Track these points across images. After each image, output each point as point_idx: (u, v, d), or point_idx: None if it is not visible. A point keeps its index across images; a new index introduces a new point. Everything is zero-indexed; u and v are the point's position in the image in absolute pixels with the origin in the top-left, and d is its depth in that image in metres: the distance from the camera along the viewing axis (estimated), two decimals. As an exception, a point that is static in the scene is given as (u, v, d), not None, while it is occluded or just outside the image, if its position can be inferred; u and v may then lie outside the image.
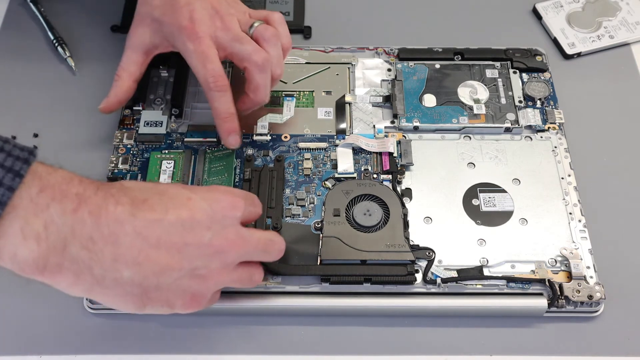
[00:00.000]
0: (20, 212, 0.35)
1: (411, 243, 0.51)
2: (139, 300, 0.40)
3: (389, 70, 0.61)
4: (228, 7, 0.53)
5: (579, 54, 0.64)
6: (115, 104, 0.55)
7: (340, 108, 0.59)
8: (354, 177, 0.55)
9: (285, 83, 0.60)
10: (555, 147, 0.57)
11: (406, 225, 0.51)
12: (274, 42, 0.53)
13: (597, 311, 0.50)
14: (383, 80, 0.61)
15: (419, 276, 0.50)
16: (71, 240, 0.36)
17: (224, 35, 0.51)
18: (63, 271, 0.37)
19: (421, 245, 0.51)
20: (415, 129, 0.57)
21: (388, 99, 0.59)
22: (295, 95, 0.60)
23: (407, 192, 0.54)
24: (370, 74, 0.61)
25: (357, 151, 0.56)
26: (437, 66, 0.61)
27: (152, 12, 0.53)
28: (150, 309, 0.41)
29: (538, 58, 0.61)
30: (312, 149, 0.56)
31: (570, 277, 0.50)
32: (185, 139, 0.57)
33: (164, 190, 0.41)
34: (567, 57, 0.64)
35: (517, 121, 0.57)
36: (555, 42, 0.65)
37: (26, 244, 0.35)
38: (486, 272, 0.50)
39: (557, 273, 0.50)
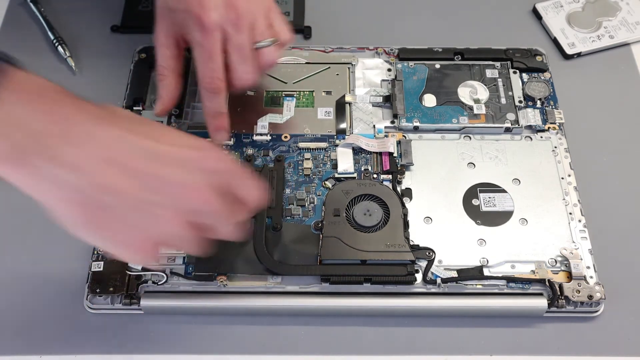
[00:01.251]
0: None
1: (411, 243, 0.51)
2: (84, 212, 0.37)
3: (389, 70, 0.61)
4: (248, 1, 0.50)
5: (579, 54, 0.64)
6: (169, 102, 0.54)
7: (341, 108, 0.59)
8: (354, 177, 0.55)
9: (285, 83, 0.60)
10: (555, 147, 0.57)
11: (406, 225, 0.51)
12: (268, 70, 0.55)
13: (597, 311, 0.50)
14: (383, 80, 0.61)
15: (419, 276, 0.50)
16: (17, 129, 0.35)
17: (230, 34, 0.49)
18: (6, 160, 0.35)
19: (421, 245, 0.51)
20: (415, 129, 0.57)
21: (388, 99, 0.59)
22: (295, 95, 0.60)
23: (407, 192, 0.54)
24: (370, 74, 0.61)
25: (357, 151, 0.56)
26: (437, 66, 0.61)
27: (167, 2, 0.51)
28: (100, 237, 0.38)
29: (538, 58, 0.61)
30: (312, 148, 0.56)
31: (570, 277, 0.50)
32: (185, 139, 0.57)
33: (150, 121, 0.41)
34: (567, 57, 0.64)
35: (517, 121, 0.57)
36: (555, 42, 0.65)
37: None
38: (486, 272, 0.50)
39: (557, 273, 0.50)
